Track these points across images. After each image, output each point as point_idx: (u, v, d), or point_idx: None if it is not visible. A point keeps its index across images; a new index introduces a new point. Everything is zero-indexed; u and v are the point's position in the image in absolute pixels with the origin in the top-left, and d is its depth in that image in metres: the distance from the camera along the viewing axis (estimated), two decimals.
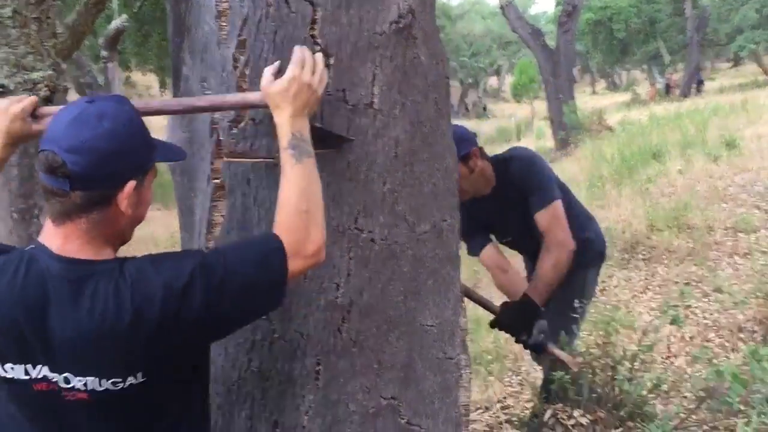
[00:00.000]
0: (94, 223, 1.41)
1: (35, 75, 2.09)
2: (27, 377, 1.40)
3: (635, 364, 2.92)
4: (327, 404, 1.81)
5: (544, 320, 2.92)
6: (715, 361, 4.12)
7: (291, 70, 1.60)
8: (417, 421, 1.93)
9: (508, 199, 3.06)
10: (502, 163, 3.07)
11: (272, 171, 1.73)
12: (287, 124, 1.58)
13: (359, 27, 1.76)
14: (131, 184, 1.42)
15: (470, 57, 43.34)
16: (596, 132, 15.86)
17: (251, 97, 1.65)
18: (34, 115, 1.67)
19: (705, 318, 5.00)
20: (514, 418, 3.20)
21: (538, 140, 17.95)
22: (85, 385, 1.38)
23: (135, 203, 1.45)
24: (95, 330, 1.35)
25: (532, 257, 3.28)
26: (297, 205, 1.55)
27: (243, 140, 1.75)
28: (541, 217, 2.98)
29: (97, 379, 1.38)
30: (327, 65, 1.72)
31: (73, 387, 1.39)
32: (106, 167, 1.38)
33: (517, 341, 3.01)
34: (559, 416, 2.77)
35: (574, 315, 3.00)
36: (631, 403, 2.74)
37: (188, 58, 1.88)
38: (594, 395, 2.84)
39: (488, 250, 3.33)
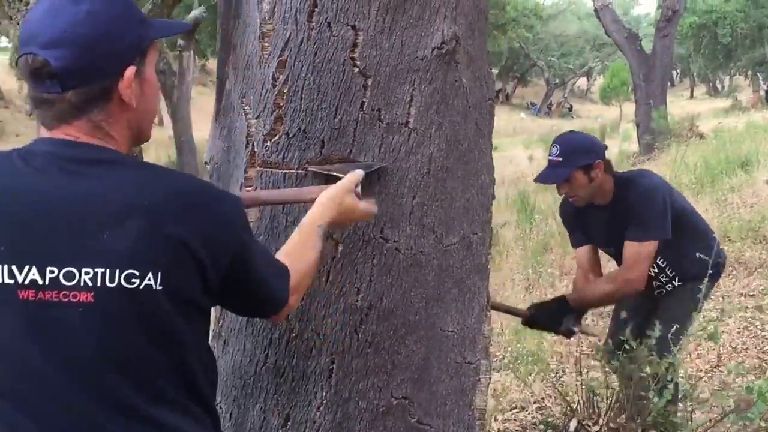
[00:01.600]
0: (97, 123, 1.21)
1: None
2: (11, 281, 1.15)
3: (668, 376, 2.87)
4: (338, 401, 1.86)
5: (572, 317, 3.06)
6: None
7: (349, 182, 1.64)
8: (427, 420, 1.97)
9: (618, 218, 3.06)
10: (624, 182, 3.08)
11: (302, 181, 1.81)
12: (323, 217, 1.59)
13: (400, 51, 1.79)
14: (131, 70, 1.22)
15: (559, 57, 42.34)
16: (686, 138, 15.27)
17: (309, 195, 1.72)
18: None
19: (763, 330, 4.83)
20: (548, 419, 3.22)
21: (624, 142, 17.42)
22: (93, 279, 1.14)
23: (139, 92, 1.25)
24: (115, 206, 1.16)
25: None
26: (308, 260, 1.53)
27: (276, 152, 1.81)
28: (629, 247, 2.98)
29: (109, 270, 1.14)
30: (364, 86, 1.79)
31: (77, 284, 1.14)
32: (96, 55, 1.17)
33: (548, 331, 3.20)
34: (584, 423, 2.77)
35: (677, 324, 2.94)
36: (655, 412, 2.71)
37: (231, 74, 1.95)
38: (618, 404, 2.83)
39: (585, 251, 3.37)
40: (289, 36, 1.78)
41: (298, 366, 1.86)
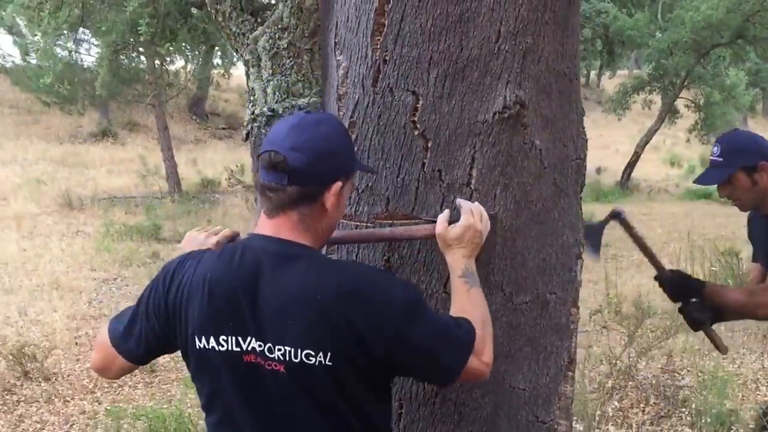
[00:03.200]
0: (302, 216, 1.52)
1: (302, 101, 2.10)
2: (238, 349, 1.49)
3: None
4: None
5: (700, 304, 2.73)
6: None
7: (467, 219, 1.74)
8: None
9: None
10: None
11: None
12: (460, 262, 1.72)
13: (460, 115, 1.81)
14: (338, 184, 1.53)
15: None
16: None
17: (418, 233, 1.81)
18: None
19: None
20: None
21: None
22: (283, 355, 1.45)
23: (335, 203, 1.55)
24: (297, 297, 1.45)
25: None
26: (480, 316, 1.64)
27: (349, 205, 1.91)
28: None
29: (293, 349, 1.45)
30: (425, 148, 1.83)
31: (275, 357, 1.46)
32: (321, 165, 1.50)
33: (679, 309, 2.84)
34: None
35: None
36: None
37: None
38: None
39: (757, 268, 3.01)
40: (358, 99, 1.88)
41: None
